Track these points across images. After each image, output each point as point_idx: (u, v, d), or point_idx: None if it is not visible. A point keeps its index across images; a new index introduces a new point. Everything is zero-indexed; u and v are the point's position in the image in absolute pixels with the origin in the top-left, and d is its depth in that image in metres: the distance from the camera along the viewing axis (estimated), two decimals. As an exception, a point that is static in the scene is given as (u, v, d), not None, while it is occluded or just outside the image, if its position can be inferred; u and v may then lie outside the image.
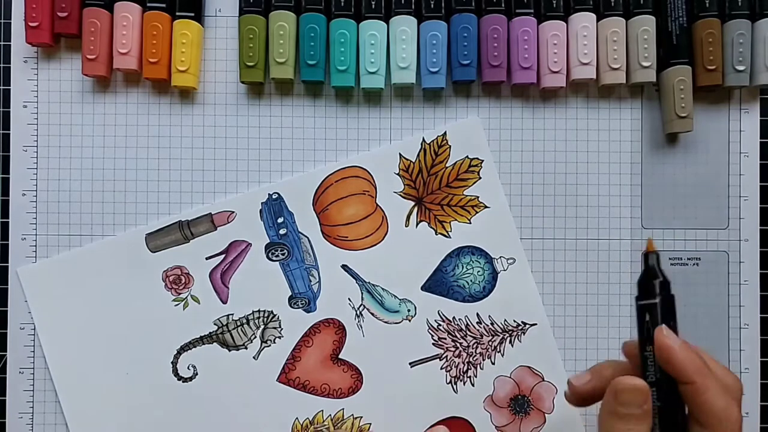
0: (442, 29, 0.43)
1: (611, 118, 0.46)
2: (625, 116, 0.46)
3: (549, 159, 0.46)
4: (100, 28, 0.43)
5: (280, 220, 0.45)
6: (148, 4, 0.43)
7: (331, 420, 0.44)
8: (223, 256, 0.45)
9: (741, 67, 0.43)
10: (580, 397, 0.36)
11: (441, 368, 0.45)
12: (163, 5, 0.43)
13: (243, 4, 0.43)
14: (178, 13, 0.43)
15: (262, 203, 0.45)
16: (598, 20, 0.44)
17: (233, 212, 0.45)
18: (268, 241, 0.45)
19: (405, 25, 0.43)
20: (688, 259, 0.46)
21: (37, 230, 0.45)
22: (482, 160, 0.45)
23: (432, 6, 0.43)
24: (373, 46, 0.43)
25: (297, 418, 0.44)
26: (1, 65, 0.45)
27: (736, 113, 0.46)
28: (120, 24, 0.43)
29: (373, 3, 0.43)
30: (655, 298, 0.34)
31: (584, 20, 0.43)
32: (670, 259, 0.46)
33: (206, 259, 0.45)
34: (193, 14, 0.44)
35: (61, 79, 0.45)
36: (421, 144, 0.45)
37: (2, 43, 0.45)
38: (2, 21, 0.45)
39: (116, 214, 0.45)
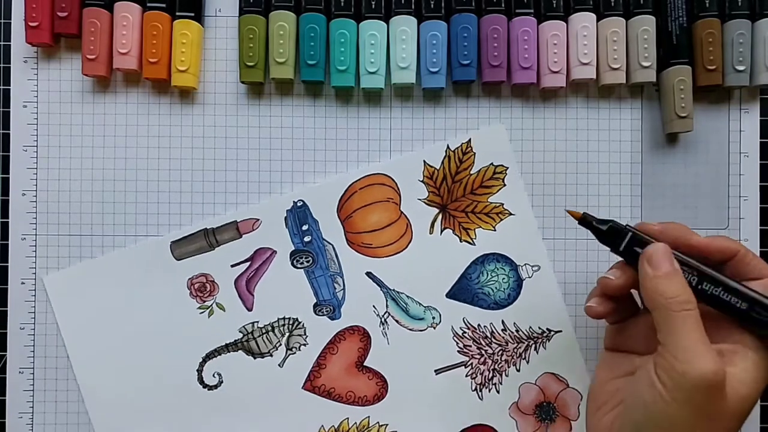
0: (442, 29, 0.43)
1: (611, 118, 0.46)
2: (625, 116, 0.46)
3: (549, 159, 0.46)
4: (100, 28, 0.43)
5: (304, 227, 0.45)
6: (148, 4, 0.43)
7: (357, 428, 0.44)
8: (248, 263, 0.45)
9: (741, 67, 0.43)
10: (612, 293, 0.37)
11: (466, 375, 0.45)
12: (163, 5, 0.43)
13: (243, 4, 0.43)
14: (178, 13, 0.43)
15: (287, 211, 0.45)
16: (598, 20, 0.44)
17: (258, 219, 0.45)
18: (293, 248, 0.45)
19: (405, 25, 0.43)
20: (688, 259, 0.46)
21: (37, 230, 0.45)
22: (507, 167, 0.45)
23: (432, 6, 0.43)
24: (373, 46, 0.43)
25: (323, 425, 0.44)
26: (1, 65, 0.45)
27: (736, 113, 0.46)
28: (120, 24, 0.43)
29: (373, 3, 0.43)
30: (628, 231, 0.36)
31: (584, 20, 0.43)
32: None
33: (231, 266, 0.45)
34: (193, 14, 0.43)
35: (61, 79, 0.45)
36: (446, 151, 0.45)
37: (2, 43, 0.45)
38: (2, 21, 0.45)
39: (116, 214, 0.45)
